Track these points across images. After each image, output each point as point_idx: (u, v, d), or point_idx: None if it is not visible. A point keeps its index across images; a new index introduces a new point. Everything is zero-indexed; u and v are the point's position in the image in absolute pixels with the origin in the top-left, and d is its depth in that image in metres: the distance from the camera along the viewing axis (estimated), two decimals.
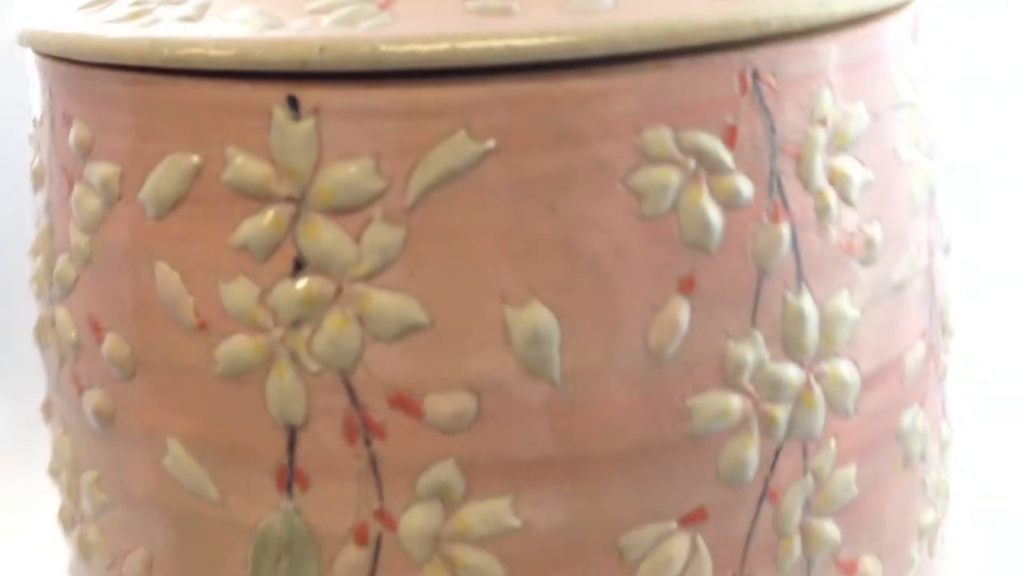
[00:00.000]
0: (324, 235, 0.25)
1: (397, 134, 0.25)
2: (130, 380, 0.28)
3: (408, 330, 0.25)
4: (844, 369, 0.28)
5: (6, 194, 0.69)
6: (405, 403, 0.26)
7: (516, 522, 0.26)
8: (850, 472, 0.29)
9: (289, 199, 0.25)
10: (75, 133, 0.28)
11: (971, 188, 0.58)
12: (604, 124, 0.25)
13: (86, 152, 0.28)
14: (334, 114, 0.25)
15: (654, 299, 0.26)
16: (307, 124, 0.25)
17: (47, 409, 0.33)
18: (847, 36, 0.27)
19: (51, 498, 0.35)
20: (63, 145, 0.28)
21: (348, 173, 0.25)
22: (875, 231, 0.28)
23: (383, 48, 0.24)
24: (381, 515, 0.26)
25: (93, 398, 0.29)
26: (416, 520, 0.26)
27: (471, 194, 0.25)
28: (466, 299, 0.25)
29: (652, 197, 0.25)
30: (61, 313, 0.29)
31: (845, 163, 0.27)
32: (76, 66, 0.28)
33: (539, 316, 0.25)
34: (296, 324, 0.26)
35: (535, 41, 0.24)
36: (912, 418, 0.30)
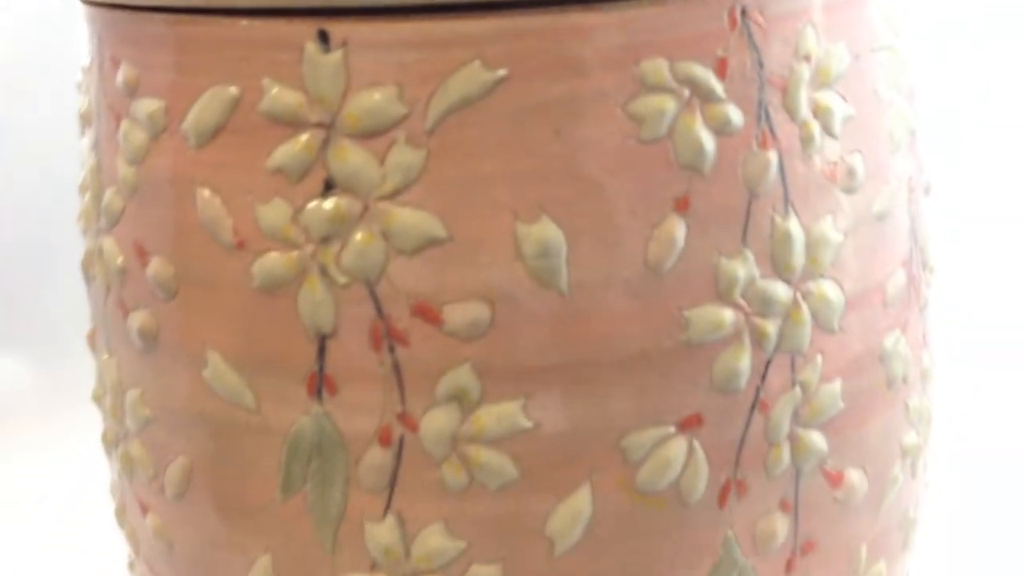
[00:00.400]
0: (352, 157, 0.28)
1: (418, 64, 0.27)
2: (173, 300, 0.30)
3: (428, 244, 0.28)
4: (829, 289, 0.30)
5: (32, 173, 0.72)
6: (426, 312, 0.28)
7: (527, 423, 0.28)
8: (836, 387, 0.31)
9: (320, 125, 0.28)
10: (122, 74, 0.30)
11: (949, 130, 0.61)
12: (605, 55, 0.27)
13: (133, 90, 0.30)
14: (361, 46, 0.27)
15: (652, 217, 0.28)
16: (336, 56, 0.27)
17: (92, 339, 0.35)
18: None
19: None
20: (111, 86, 0.31)
21: (374, 100, 0.27)
22: (856, 162, 0.30)
23: None
24: (404, 418, 0.29)
25: (138, 319, 0.31)
26: (436, 422, 0.28)
27: (485, 118, 0.27)
28: (481, 215, 0.27)
29: (650, 122, 0.28)
30: (108, 243, 0.32)
31: (828, 97, 0.30)
32: (123, 11, 0.30)
33: (547, 231, 0.27)
34: (326, 240, 0.28)
35: None
36: (894, 342, 0.32)
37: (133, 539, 0.35)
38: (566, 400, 0.28)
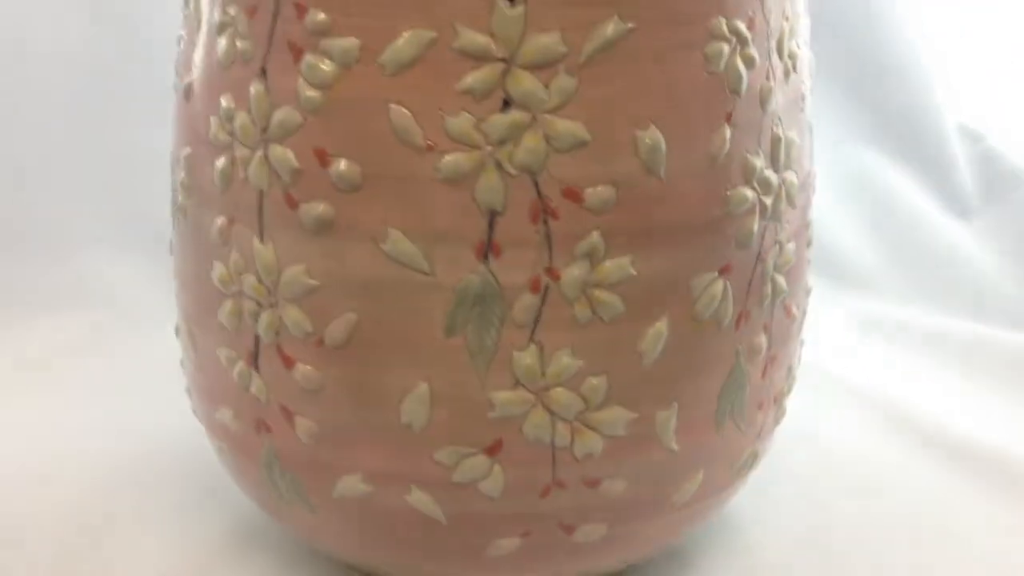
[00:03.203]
0: (525, 83, 0.38)
1: (576, 16, 0.38)
2: (355, 192, 0.40)
3: (577, 145, 0.39)
4: (793, 177, 0.44)
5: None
6: (572, 194, 0.39)
7: (633, 272, 0.40)
8: (792, 245, 0.45)
9: (502, 59, 0.38)
10: (310, 17, 0.39)
11: None
12: (692, 15, 0.40)
13: (324, 31, 0.39)
14: (537, 4, 0.38)
15: (712, 126, 0.41)
16: (519, 10, 0.38)
17: (225, 232, 0.43)
18: None
19: None
20: (294, 27, 0.39)
21: (544, 42, 0.38)
22: (807, 91, 0.45)
23: None
24: (550, 271, 0.40)
25: (314, 209, 0.40)
26: (573, 273, 0.40)
27: (618, 56, 0.39)
28: (612, 124, 0.39)
29: (714, 60, 0.40)
30: (277, 150, 0.40)
31: (795, 46, 0.44)
32: None
33: (654, 135, 0.40)
34: (502, 142, 0.39)
35: None
36: (812, 215, 0.47)
37: (262, 391, 0.43)
38: (658, 255, 0.41)
